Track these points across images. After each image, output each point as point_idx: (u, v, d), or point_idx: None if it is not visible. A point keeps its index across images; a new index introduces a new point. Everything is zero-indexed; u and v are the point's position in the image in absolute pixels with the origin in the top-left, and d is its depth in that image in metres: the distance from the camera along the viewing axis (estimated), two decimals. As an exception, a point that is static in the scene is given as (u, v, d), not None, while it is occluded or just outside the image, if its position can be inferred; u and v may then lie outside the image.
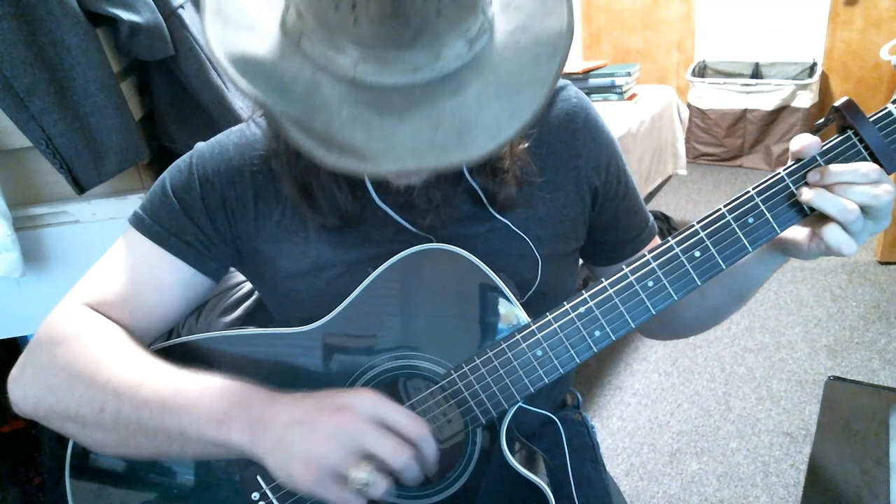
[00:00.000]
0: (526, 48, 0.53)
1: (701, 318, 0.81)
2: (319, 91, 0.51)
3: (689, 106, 3.63)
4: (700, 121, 3.66)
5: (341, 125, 0.50)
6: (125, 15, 1.10)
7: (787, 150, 0.64)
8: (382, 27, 0.49)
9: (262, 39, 0.53)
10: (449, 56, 0.51)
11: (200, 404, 0.61)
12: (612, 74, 2.39)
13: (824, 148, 0.62)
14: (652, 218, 0.84)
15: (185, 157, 0.74)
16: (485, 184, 0.70)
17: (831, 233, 0.60)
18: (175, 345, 0.73)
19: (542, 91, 0.51)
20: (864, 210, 0.60)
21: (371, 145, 0.49)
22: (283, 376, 0.63)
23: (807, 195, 0.61)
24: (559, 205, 0.75)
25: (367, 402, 0.59)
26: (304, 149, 0.49)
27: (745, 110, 3.51)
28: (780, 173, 0.62)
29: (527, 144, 0.72)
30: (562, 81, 0.79)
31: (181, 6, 1.21)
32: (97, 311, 0.71)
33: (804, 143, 0.62)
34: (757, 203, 0.62)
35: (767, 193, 0.62)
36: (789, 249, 0.66)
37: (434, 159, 0.49)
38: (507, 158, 0.70)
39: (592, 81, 2.40)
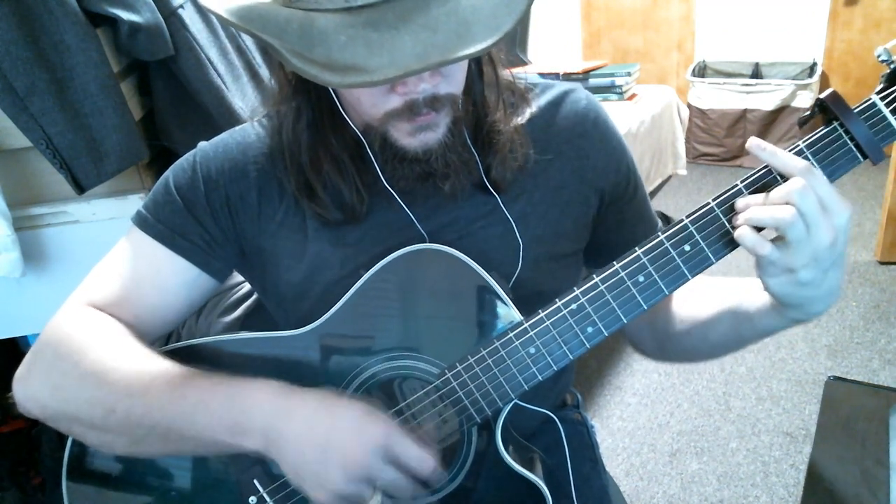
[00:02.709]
0: None
1: (698, 350, 0.78)
2: (314, 24, 0.53)
3: (689, 106, 3.63)
4: (700, 121, 3.66)
5: (340, 48, 0.51)
6: (125, 15, 1.10)
7: (786, 150, 0.63)
8: None
9: (252, 2, 0.56)
10: None
11: (210, 410, 0.61)
12: (612, 74, 2.39)
13: (810, 140, 0.61)
14: (660, 223, 0.83)
15: (189, 155, 0.74)
16: (482, 156, 0.70)
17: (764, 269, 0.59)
18: (174, 349, 0.73)
19: None
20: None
21: (373, 60, 0.50)
22: (280, 379, 0.63)
23: (740, 224, 0.60)
24: (561, 203, 0.75)
25: (381, 439, 0.59)
26: (308, 74, 0.51)
27: (745, 110, 3.51)
28: (767, 166, 0.62)
29: (520, 122, 0.73)
30: (571, 84, 0.79)
31: (181, 6, 1.21)
32: (101, 311, 0.71)
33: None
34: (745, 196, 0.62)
35: (755, 187, 0.62)
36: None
37: (439, 57, 0.50)
38: (501, 122, 0.70)
39: (592, 81, 2.39)
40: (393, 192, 0.69)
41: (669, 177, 2.61)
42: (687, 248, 0.63)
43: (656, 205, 3.41)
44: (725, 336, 0.72)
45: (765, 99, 3.44)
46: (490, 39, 0.51)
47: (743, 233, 0.59)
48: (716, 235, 0.63)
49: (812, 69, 3.43)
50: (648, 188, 2.41)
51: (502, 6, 0.52)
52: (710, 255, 0.63)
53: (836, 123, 0.61)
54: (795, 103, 3.39)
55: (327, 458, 0.58)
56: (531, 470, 0.69)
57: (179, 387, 0.63)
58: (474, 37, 0.51)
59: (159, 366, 0.65)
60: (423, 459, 0.60)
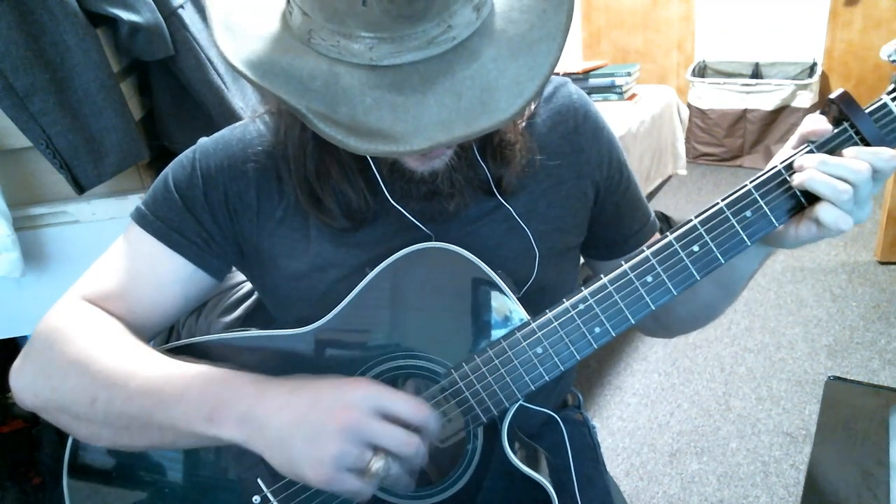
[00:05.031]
0: (531, 6, 0.55)
1: (693, 314, 0.81)
2: (339, 82, 0.52)
3: (689, 106, 3.63)
4: (700, 121, 3.66)
5: (366, 111, 0.51)
6: (125, 15, 1.10)
7: (795, 150, 0.63)
8: (392, 3, 0.49)
9: (271, 45, 0.55)
10: (459, 24, 0.52)
11: (188, 398, 0.61)
12: (612, 74, 2.39)
13: (821, 141, 0.62)
14: (653, 213, 0.85)
15: (188, 152, 0.74)
16: (491, 166, 0.71)
17: (825, 210, 0.59)
18: (174, 348, 0.72)
19: (555, 45, 0.53)
20: (855, 188, 0.58)
21: (399, 126, 0.50)
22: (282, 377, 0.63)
23: (798, 178, 0.60)
24: (561, 198, 0.76)
25: (366, 394, 0.58)
26: (335, 140, 0.51)
27: (745, 110, 3.51)
28: (777, 167, 0.63)
29: (523, 125, 0.73)
30: (561, 79, 0.79)
31: (181, 6, 1.21)
32: (98, 305, 0.70)
33: (816, 126, 0.61)
34: (755, 197, 0.62)
35: (765, 187, 0.62)
36: (775, 240, 0.66)
37: (464, 128, 0.50)
38: (511, 132, 0.70)
39: (592, 81, 2.39)
40: (400, 208, 0.69)
41: (669, 177, 2.61)
42: (696, 248, 0.63)
43: (656, 205, 3.41)
44: (712, 290, 0.75)
45: (765, 99, 3.44)
46: (513, 108, 0.51)
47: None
48: (725, 236, 0.63)
49: (812, 69, 3.43)
50: (648, 188, 2.41)
51: (525, 70, 0.52)
52: (718, 255, 0.63)
53: (846, 124, 0.61)
54: (795, 103, 3.39)
55: (314, 424, 0.56)
56: (536, 470, 0.69)
57: (161, 377, 0.62)
58: (498, 104, 0.51)
59: (145, 357, 0.65)
60: (415, 405, 0.58)
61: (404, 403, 0.58)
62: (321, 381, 0.60)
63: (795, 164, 0.61)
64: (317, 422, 0.57)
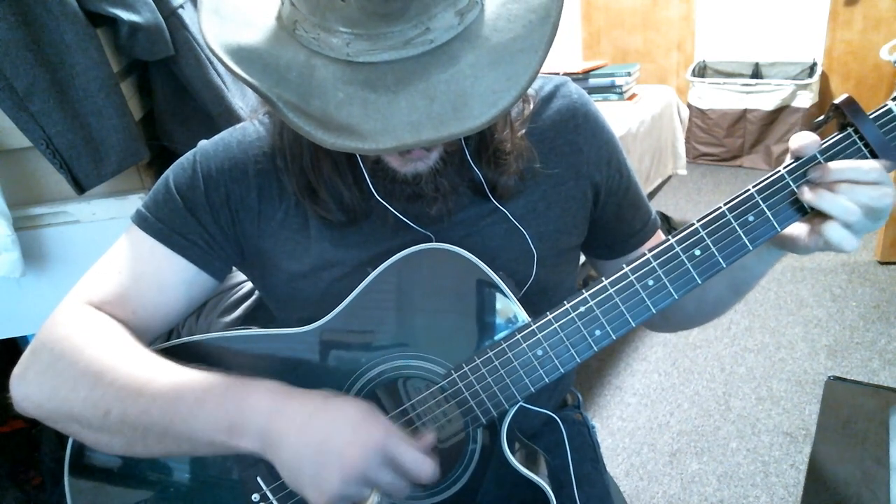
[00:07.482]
0: (518, 16, 0.54)
1: (702, 311, 0.82)
2: (314, 74, 0.52)
3: (689, 106, 3.63)
4: (700, 121, 3.66)
5: (337, 105, 0.51)
6: (125, 15, 1.10)
7: (787, 150, 0.64)
8: (369, 0, 0.49)
9: (257, 32, 0.55)
10: (439, 28, 0.52)
11: (206, 410, 0.61)
12: (612, 74, 2.39)
13: (825, 146, 0.62)
14: (654, 211, 0.85)
15: (189, 154, 0.74)
16: (486, 172, 0.70)
17: (832, 230, 0.60)
18: (175, 346, 0.73)
19: (536, 58, 0.52)
20: (864, 209, 0.59)
21: (368, 123, 0.50)
22: (283, 376, 0.63)
23: (808, 195, 0.61)
24: (560, 199, 0.75)
25: (381, 441, 0.59)
26: (302, 131, 0.51)
27: (745, 110, 3.51)
28: (780, 171, 0.62)
29: (523, 131, 0.72)
30: (561, 78, 0.79)
31: (181, 6, 1.21)
32: (100, 309, 0.70)
33: (803, 141, 0.61)
34: (757, 201, 0.62)
35: (768, 192, 0.62)
36: (787, 244, 0.66)
37: (432, 132, 0.50)
38: (508, 141, 0.70)
39: (592, 81, 2.39)
40: (386, 204, 0.69)
41: (669, 177, 2.61)
42: (697, 252, 0.63)
43: (656, 205, 3.43)
44: (722, 289, 0.75)
45: (765, 99, 3.44)
46: (486, 117, 0.50)
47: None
48: (727, 240, 0.63)
49: (812, 69, 3.43)
50: (648, 188, 2.42)
51: (503, 80, 0.51)
52: (720, 259, 0.63)
53: (850, 129, 0.61)
54: (795, 103, 3.39)
55: (324, 461, 0.58)
56: (535, 471, 0.69)
57: (176, 388, 0.62)
58: (470, 111, 0.50)
59: (156, 366, 0.65)
60: (420, 462, 0.60)
61: (412, 458, 0.60)
62: (341, 413, 0.61)
63: (809, 176, 0.61)
64: (327, 457, 0.58)
